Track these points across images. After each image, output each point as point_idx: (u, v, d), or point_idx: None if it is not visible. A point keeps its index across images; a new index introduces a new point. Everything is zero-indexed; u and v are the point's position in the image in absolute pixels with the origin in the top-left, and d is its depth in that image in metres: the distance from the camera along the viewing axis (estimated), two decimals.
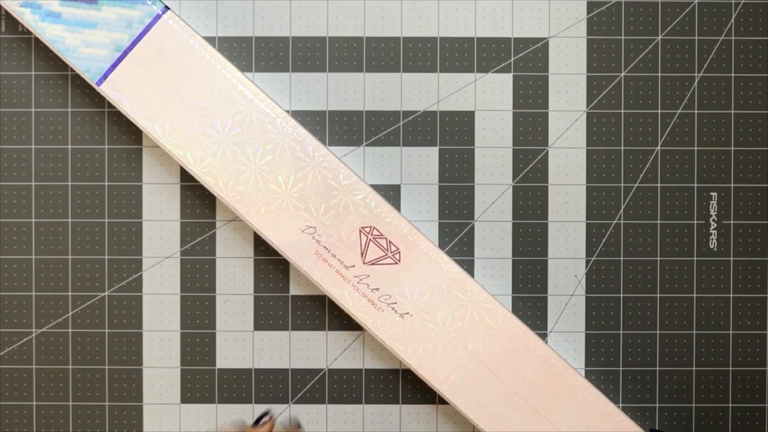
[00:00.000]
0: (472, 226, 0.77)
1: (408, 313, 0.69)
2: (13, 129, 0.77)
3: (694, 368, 0.77)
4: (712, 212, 0.77)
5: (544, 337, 0.76)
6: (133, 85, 0.68)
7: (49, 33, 0.68)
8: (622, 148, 0.77)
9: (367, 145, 0.76)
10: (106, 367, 0.77)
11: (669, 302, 0.77)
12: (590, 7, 0.77)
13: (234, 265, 0.77)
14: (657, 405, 0.77)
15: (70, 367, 0.77)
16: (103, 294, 0.77)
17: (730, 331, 0.77)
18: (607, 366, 0.77)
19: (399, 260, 0.69)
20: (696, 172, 0.77)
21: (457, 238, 0.77)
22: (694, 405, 0.77)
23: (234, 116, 0.68)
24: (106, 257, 0.77)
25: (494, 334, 0.67)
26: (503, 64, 0.77)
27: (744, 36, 0.77)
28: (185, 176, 0.76)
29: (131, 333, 0.77)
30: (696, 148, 0.77)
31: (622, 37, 0.77)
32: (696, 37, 0.76)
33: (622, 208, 0.77)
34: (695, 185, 0.77)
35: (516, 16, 0.77)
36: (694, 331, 0.77)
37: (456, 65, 0.77)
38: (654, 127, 0.77)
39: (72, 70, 0.74)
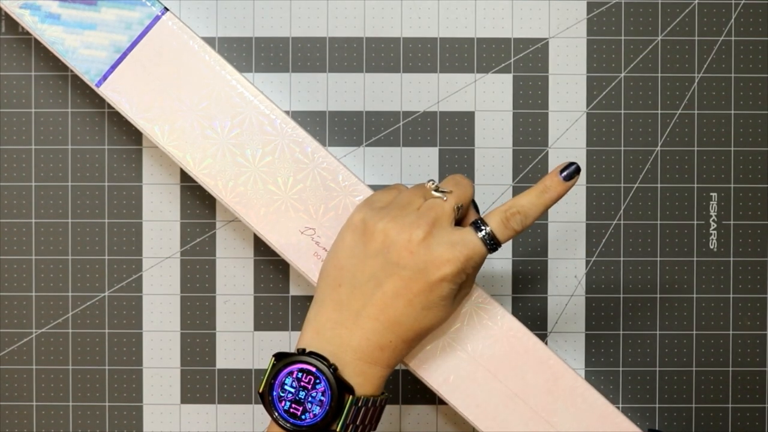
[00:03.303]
0: None
1: None
2: (13, 129, 0.77)
3: (694, 368, 0.77)
4: (712, 212, 0.77)
5: (544, 337, 0.76)
6: (132, 87, 0.68)
7: (48, 34, 0.68)
8: (622, 148, 0.77)
9: (367, 146, 0.76)
10: (106, 367, 0.77)
11: (669, 302, 0.77)
12: (590, 7, 0.76)
13: (234, 266, 0.77)
14: (657, 405, 0.77)
15: (70, 367, 0.77)
16: (103, 294, 0.77)
17: (730, 331, 0.77)
18: (607, 366, 0.77)
19: None
20: (696, 172, 0.77)
21: None
22: (694, 405, 0.77)
23: (233, 118, 0.68)
24: (106, 257, 0.77)
25: (494, 335, 0.67)
26: (503, 65, 0.77)
27: (744, 36, 0.76)
28: (185, 177, 0.76)
29: (131, 333, 0.77)
30: (696, 148, 0.77)
31: (622, 38, 0.76)
32: (696, 38, 0.76)
33: (622, 208, 0.77)
34: (695, 185, 0.77)
35: (516, 16, 0.76)
36: (694, 331, 0.77)
37: (456, 65, 0.77)
38: (654, 128, 0.77)
39: (72, 71, 0.74)
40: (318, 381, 0.59)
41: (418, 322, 0.61)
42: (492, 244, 0.61)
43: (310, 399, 0.59)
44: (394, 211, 0.61)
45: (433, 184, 0.63)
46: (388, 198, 0.63)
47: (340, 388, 0.59)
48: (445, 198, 0.62)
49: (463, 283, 0.62)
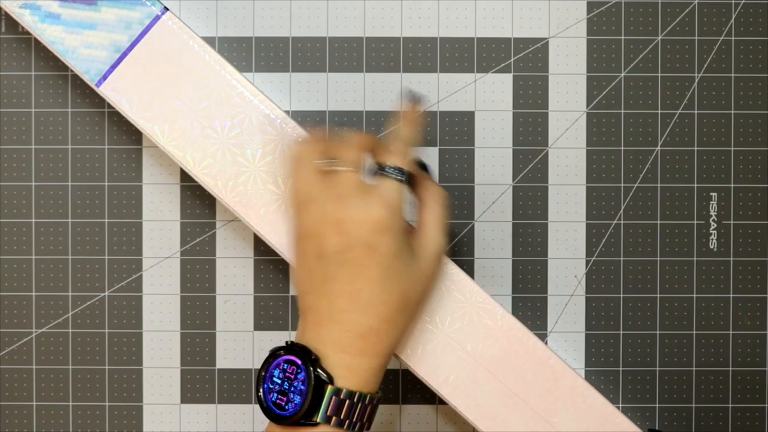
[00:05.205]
0: (472, 226, 0.77)
1: None
2: (13, 129, 0.77)
3: (694, 368, 0.77)
4: (712, 212, 0.77)
5: (544, 337, 0.76)
6: (132, 86, 0.68)
7: (48, 34, 0.68)
8: (622, 148, 0.77)
9: None
10: (106, 367, 0.77)
11: (669, 302, 0.77)
12: (590, 7, 0.76)
13: (234, 266, 0.77)
14: (657, 405, 0.77)
15: (70, 367, 0.77)
16: (103, 294, 0.77)
17: (730, 331, 0.77)
18: (607, 366, 0.77)
19: None
20: (696, 172, 0.77)
21: (457, 239, 0.77)
22: (694, 405, 0.77)
23: (233, 117, 0.68)
24: (106, 257, 0.77)
25: (494, 335, 0.67)
26: (503, 65, 0.77)
27: (744, 36, 0.76)
28: (185, 176, 0.76)
29: (131, 333, 0.77)
30: (696, 148, 0.77)
31: (622, 37, 0.76)
32: (696, 37, 0.76)
33: (622, 208, 0.77)
34: (695, 185, 0.77)
35: (516, 16, 0.76)
36: (694, 331, 0.77)
37: (456, 65, 0.77)
38: (654, 127, 0.77)
39: (72, 70, 0.74)
40: (299, 371, 0.59)
41: (388, 294, 0.61)
42: (398, 172, 0.62)
43: (292, 389, 0.59)
44: (308, 209, 0.62)
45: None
46: (295, 202, 0.64)
47: (318, 376, 0.59)
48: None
49: (408, 231, 0.63)
